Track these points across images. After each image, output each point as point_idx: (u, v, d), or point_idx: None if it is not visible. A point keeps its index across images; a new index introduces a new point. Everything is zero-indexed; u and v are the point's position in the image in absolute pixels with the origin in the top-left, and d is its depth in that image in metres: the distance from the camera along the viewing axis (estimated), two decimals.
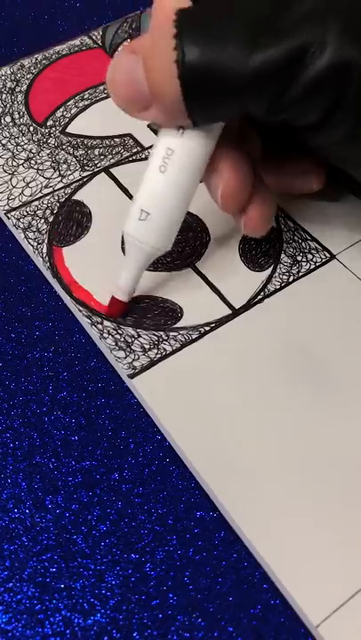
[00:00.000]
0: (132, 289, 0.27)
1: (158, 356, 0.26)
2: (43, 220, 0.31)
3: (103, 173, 0.32)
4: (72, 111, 0.35)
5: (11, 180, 0.32)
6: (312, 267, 0.29)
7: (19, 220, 0.30)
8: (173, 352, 0.26)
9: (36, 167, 0.33)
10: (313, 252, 0.29)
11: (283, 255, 0.29)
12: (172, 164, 0.24)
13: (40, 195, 0.31)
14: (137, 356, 0.26)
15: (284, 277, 0.29)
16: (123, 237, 0.28)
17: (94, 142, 0.34)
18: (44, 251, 0.29)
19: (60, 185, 0.32)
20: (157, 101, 0.22)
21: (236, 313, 0.27)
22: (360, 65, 0.20)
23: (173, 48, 0.20)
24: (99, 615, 0.21)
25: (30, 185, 0.32)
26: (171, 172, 0.24)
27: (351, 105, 0.21)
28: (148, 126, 0.34)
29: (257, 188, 0.25)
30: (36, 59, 0.37)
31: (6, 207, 0.31)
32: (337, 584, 0.21)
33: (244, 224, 0.26)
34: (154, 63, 0.21)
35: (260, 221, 0.26)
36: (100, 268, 0.29)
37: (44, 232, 0.30)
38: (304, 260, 0.29)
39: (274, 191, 0.27)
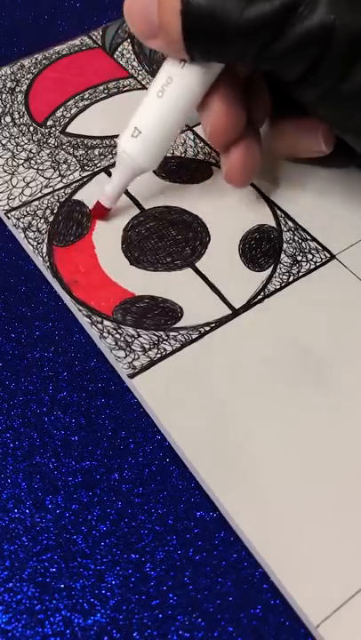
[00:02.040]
0: (115, 198, 0.30)
1: (158, 355, 0.26)
2: (43, 220, 0.30)
3: (103, 173, 0.32)
4: (72, 111, 0.35)
5: (11, 179, 0.32)
6: (312, 267, 0.29)
7: (19, 219, 0.30)
8: (173, 352, 0.26)
9: (35, 167, 0.33)
10: (313, 252, 0.29)
11: (283, 255, 0.29)
12: (168, 92, 0.26)
13: (40, 195, 0.31)
14: (137, 356, 0.26)
15: (285, 277, 0.29)
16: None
17: (94, 142, 0.34)
18: (44, 250, 0.29)
19: (60, 185, 0.32)
20: (163, 33, 0.24)
21: (236, 313, 0.27)
22: (344, 27, 0.22)
23: None
24: (99, 615, 0.21)
25: (30, 185, 0.32)
26: (167, 97, 0.26)
27: (332, 64, 0.23)
28: None
29: (247, 134, 0.28)
30: (36, 59, 0.37)
31: (6, 207, 0.31)
32: (337, 584, 0.21)
33: (225, 167, 0.29)
34: (165, 0, 0.24)
35: (240, 166, 0.28)
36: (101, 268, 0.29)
37: (44, 232, 0.30)
38: (304, 260, 0.29)
39: (283, 154, 0.29)
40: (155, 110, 0.27)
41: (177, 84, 0.26)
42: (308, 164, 0.31)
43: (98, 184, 0.32)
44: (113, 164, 0.33)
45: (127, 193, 0.31)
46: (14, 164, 0.33)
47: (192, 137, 0.34)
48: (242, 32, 0.23)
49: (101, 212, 0.30)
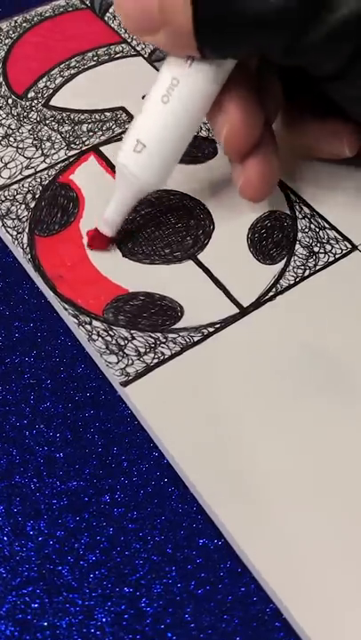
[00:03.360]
0: (117, 223, 0.28)
1: (155, 360, 0.26)
2: (23, 206, 0.31)
3: (92, 152, 0.32)
4: (57, 81, 0.35)
5: None
6: (331, 259, 0.29)
7: None
8: (172, 356, 0.26)
9: (15, 145, 0.33)
10: (332, 242, 0.29)
11: (297, 246, 0.29)
12: (175, 97, 0.25)
13: (20, 177, 0.31)
14: (131, 361, 0.26)
15: (299, 271, 0.29)
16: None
17: (82, 117, 0.34)
18: (25, 241, 0.29)
19: (44, 165, 0.32)
20: (166, 26, 0.23)
21: (244, 312, 0.27)
22: None
23: None
24: None
25: (9, 165, 0.32)
26: (173, 103, 0.25)
27: None
28: (144, 98, 0.34)
29: (265, 142, 0.27)
30: (16, 21, 0.37)
31: None
32: (359, 623, 0.21)
33: (240, 180, 0.28)
34: None
35: (258, 179, 0.27)
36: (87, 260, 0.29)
37: (24, 219, 0.30)
38: (322, 251, 0.29)
39: (299, 154, 0.28)
40: (160, 119, 0.26)
41: (185, 87, 0.25)
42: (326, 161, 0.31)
43: (86, 165, 0.32)
44: (103, 142, 0.33)
45: None
46: None
47: None
48: (269, 20, 0.21)
49: (101, 242, 0.29)
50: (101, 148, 0.33)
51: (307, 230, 0.30)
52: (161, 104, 0.25)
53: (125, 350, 0.26)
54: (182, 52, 0.24)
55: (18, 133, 0.33)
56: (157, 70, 0.35)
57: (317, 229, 0.30)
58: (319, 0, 0.21)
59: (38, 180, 0.31)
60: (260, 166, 0.27)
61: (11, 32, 0.37)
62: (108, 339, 0.27)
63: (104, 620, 0.22)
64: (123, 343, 0.27)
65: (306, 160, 0.31)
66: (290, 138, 0.28)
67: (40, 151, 0.32)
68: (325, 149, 0.29)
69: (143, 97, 0.34)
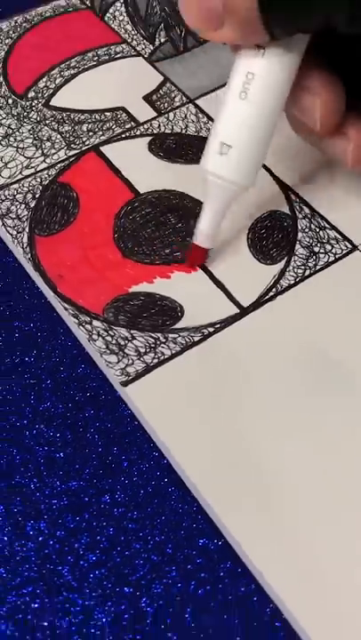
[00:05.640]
0: (214, 234, 0.28)
1: (155, 360, 0.26)
2: (23, 206, 0.30)
3: (92, 152, 0.32)
4: (57, 81, 0.35)
5: None
6: (331, 259, 0.29)
7: None
8: (173, 356, 0.26)
9: (15, 145, 0.33)
10: (332, 242, 0.29)
11: (297, 246, 0.29)
12: (253, 89, 0.24)
13: (20, 176, 0.31)
14: (131, 361, 0.26)
15: (300, 271, 0.29)
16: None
17: (82, 117, 0.34)
18: (25, 240, 0.29)
19: (44, 165, 0.32)
20: (231, 15, 0.23)
21: (244, 312, 0.27)
22: None
23: None
24: None
25: (9, 165, 0.32)
26: (253, 98, 0.25)
27: None
28: (144, 99, 0.34)
29: (351, 112, 0.26)
30: (16, 22, 0.37)
31: None
32: (359, 623, 0.21)
33: (351, 150, 0.27)
34: None
35: None
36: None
37: (24, 219, 0.30)
38: (322, 251, 0.29)
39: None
40: (242, 116, 0.25)
41: (262, 79, 0.24)
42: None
43: (86, 165, 0.32)
44: (103, 142, 0.33)
45: (120, 175, 0.31)
46: None
47: (194, 111, 0.34)
48: None
49: (201, 256, 0.28)
50: (101, 148, 0.32)
51: (307, 230, 0.30)
52: (240, 101, 0.25)
53: (126, 350, 0.26)
54: (251, 40, 0.24)
55: (18, 133, 0.33)
56: (158, 71, 0.35)
57: (318, 229, 0.30)
58: None
59: (38, 179, 0.31)
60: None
61: (11, 32, 0.37)
62: (109, 339, 0.27)
63: (104, 620, 0.22)
64: (123, 343, 0.27)
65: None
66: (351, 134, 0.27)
67: (40, 151, 0.32)
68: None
69: (144, 97, 0.34)
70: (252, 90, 0.25)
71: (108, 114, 0.34)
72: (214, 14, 0.23)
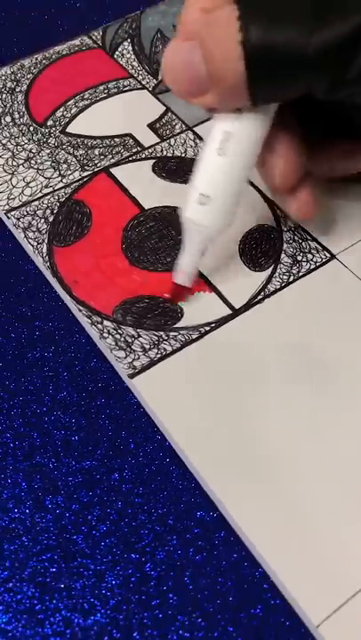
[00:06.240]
0: (194, 273, 0.27)
1: (158, 355, 0.26)
2: (43, 220, 0.31)
3: (103, 173, 0.32)
4: (72, 111, 0.35)
5: (11, 179, 0.32)
6: (312, 267, 0.29)
7: (19, 219, 0.31)
8: (174, 352, 0.26)
9: (36, 167, 0.33)
10: (313, 251, 0.29)
11: (283, 255, 0.29)
12: (230, 148, 0.24)
13: (40, 194, 0.31)
14: (137, 356, 0.26)
15: (285, 277, 0.29)
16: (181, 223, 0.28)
17: (94, 142, 0.34)
18: (44, 250, 0.29)
19: (61, 185, 0.32)
20: (217, 85, 0.22)
21: (236, 313, 0.27)
22: None
23: (238, 29, 0.21)
24: (99, 615, 0.21)
25: (30, 185, 0.32)
26: (230, 155, 0.24)
27: None
28: (148, 126, 0.34)
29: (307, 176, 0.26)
30: (36, 59, 0.37)
31: (6, 207, 0.31)
32: (338, 584, 0.21)
33: (296, 208, 0.27)
34: (214, 47, 0.21)
35: (312, 203, 0.26)
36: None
37: (44, 232, 0.30)
38: (304, 259, 0.29)
39: (316, 177, 0.27)
40: (219, 171, 0.24)
41: (239, 138, 0.24)
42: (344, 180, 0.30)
43: (98, 184, 0.32)
44: (113, 164, 0.33)
45: (127, 193, 0.31)
46: (14, 163, 0.33)
47: (192, 137, 0.34)
48: (315, 60, 0.20)
49: (181, 293, 0.28)
50: (111, 170, 0.33)
51: (291, 241, 0.30)
52: (217, 157, 0.24)
53: (132, 346, 0.27)
54: (233, 106, 0.23)
55: (38, 157, 0.33)
56: (160, 102, 0.35)
57: (300, 240, 0.30)
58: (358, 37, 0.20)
59: (56, 197, 0.31)
60: (311, 193, 0.26)
61: (32, 68, 0.37)
62: (118, 336, 0.27)
63: (114, 582, 0.22)
64: (130, 340, 0.27)
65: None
66: (309, 163, 0.26)
67: (58, 172, 0.32)
68: (341, 168, 0.28)
69: (148, 125, 0.34)
70: (229, 148, 0.24)
71: (117, 139, 0.34)
72: (200, 83, 0.22)
